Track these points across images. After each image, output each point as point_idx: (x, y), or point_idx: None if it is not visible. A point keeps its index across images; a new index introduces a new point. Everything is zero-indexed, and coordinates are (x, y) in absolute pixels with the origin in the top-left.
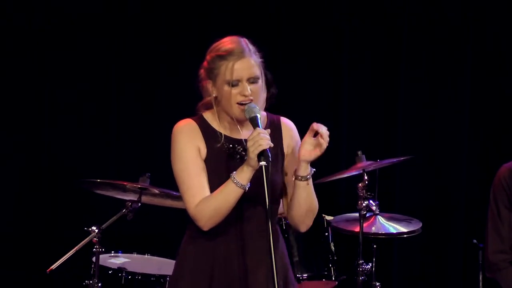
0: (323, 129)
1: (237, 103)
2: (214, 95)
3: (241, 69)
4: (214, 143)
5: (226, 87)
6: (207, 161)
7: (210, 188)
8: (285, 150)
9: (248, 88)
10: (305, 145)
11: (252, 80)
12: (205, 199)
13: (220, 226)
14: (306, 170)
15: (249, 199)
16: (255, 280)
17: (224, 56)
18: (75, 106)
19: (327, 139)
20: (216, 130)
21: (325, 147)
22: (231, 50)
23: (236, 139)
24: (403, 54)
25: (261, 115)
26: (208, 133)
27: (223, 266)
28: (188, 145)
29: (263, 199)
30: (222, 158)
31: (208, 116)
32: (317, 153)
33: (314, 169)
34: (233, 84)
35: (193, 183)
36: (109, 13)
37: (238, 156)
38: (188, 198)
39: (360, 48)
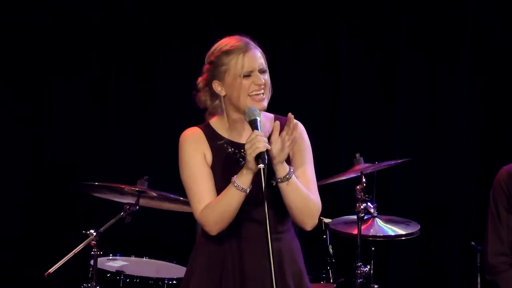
0: (289, 122)
1: (249, 95)
2: (223, 95)
3: (252, 60)
4: (220, 148)
5: (238, 80)
6: (213, 167)
7: (218, 193)
8: (290, 152)
9: (261, 78)
10: (274, 146)
11: (263, 70)
12: (209, 205)
13: (226, 229)
14: (284, 170)
15: (253, 202)
16: (256, 283)
17: (232, 50)
18: (74, 109)
19: (294, 127)
20: (221, 136)
21: (293, 136)
22: (237, 45)
23: (241, 143)
24: (401, 56)
25: (267, 118)
26: (213, 139)
27: (233, 267)
28: (194, 152)
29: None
30: (228, 163)
31: (214, 122)
32: (286, 150)
33: (292, 168)
34: (246, 75)
35: (199, 189)
36: (109, 13)
37: (244, 161)
38: (194, 204)
39: (358, 49)
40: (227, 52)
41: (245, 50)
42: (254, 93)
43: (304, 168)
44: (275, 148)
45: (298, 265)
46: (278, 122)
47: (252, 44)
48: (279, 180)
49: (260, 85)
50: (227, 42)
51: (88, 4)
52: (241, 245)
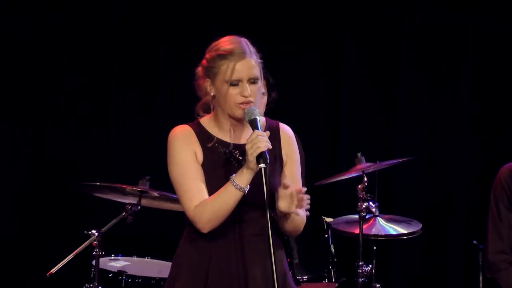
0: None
1: (237, 104)
2: (212, 94)
3: (242, 70)
4: (210, 147)
5: (225, 87)
6: (204, 165)
7: (208, 193)
8: (283, 157)
9: (248, 89)
10: (283, 200)
11: (252, 81)
12: (204, 202)
13: (218, 228)
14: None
15: (248, 202)
16: (252, 283)
17: (225, 55)
18: (75, 109)
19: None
20: (212, 135)
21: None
22: (232, 50)
23: (232, 143)
24: (402, 55)
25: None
26: (204, 138)
27: (220, 268)
28: (184, 150)
29: (261, 202)
30: (219, 163)
31: (204, 121)
32: (292, 209)
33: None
34: (233, 84)
35: (190, 186)
36: (110, 14)
37: (234, 161)
38: (185, 201)
39: (359, 50)
40: (221, 56)
41: (238, 58)
42: (239, 101)
43: (295, 179)
44: (284, 203)
45: (282, 265)
46: (290, 187)
47: (249, 52)
48: (281, 217)
49: (246, 96)
50: (224, 44)
51: (90, 4)
52: (232, 244)
